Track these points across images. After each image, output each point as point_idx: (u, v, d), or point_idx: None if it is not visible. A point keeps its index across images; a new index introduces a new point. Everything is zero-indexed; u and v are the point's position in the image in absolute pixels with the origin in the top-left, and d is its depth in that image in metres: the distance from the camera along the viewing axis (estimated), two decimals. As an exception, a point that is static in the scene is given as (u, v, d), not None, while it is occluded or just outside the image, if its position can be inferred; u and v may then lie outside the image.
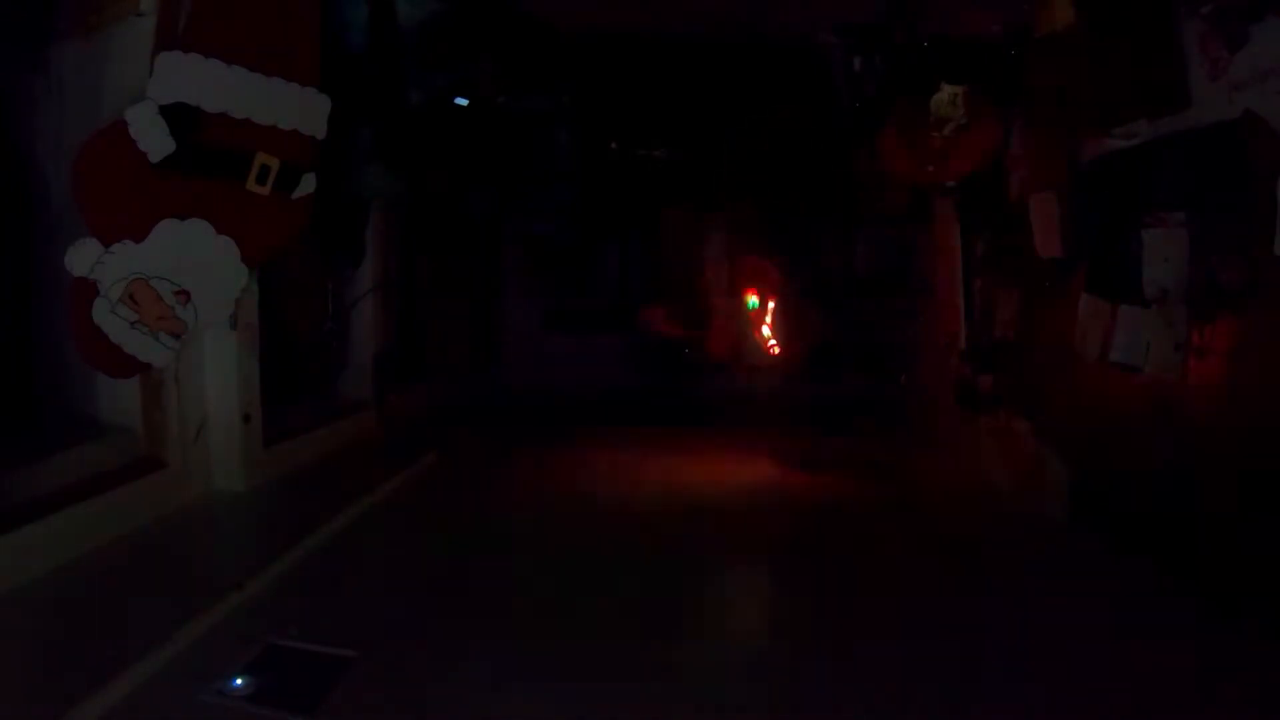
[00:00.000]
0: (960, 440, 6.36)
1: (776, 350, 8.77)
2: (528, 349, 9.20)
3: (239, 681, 2.80)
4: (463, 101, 6.38)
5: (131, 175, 3.82)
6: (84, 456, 4.04)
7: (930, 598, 3.76)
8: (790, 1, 6.08)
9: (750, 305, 8.90)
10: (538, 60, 6.78)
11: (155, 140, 3.84)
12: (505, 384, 8.94)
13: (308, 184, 4.40)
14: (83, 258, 3.75)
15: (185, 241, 4.00)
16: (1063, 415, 5.00)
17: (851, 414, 7.49)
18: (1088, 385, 4.67)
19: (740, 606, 3.77)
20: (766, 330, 8.84)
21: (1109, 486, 4.44)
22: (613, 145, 7.97)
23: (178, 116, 3.88)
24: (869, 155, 6.35)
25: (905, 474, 6.03)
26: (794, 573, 4.07)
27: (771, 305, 8.81)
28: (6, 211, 4.39)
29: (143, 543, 3.90)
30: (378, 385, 6.76)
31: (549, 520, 4.83)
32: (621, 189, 8.17)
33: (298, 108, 4.26)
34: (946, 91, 5.51)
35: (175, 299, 4.03)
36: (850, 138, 6.77)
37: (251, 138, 4.14)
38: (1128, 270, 4.21)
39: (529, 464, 6.14)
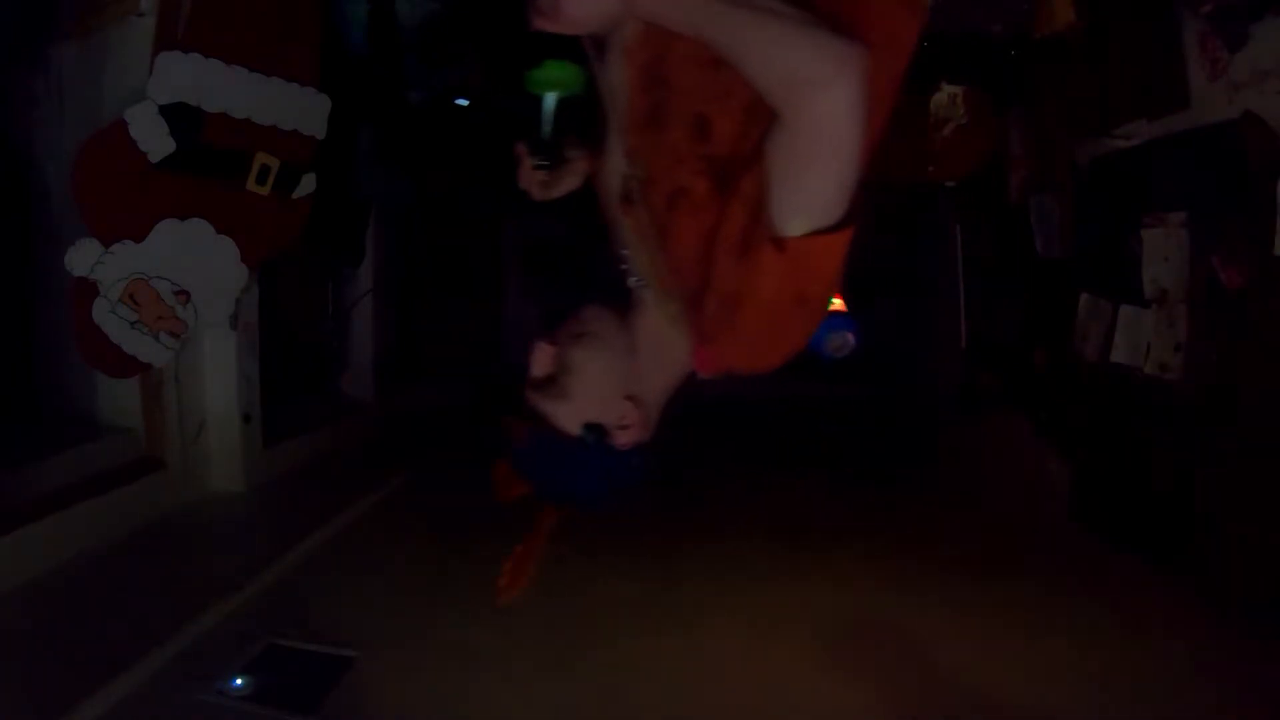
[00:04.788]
0: (960, 440, 6.36)
1: None
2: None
3: (239, 681, 2.80)
4: (463, 101, 6.38)
5: (131, 175, 3.82)
6: (84, 456, 4.03)
7: (929, 598, 3.76)
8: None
9: None
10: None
11: (155, 140, 3.84)
12: (506, 384, 8.92)
13: (308, 184, 4.40)
14: (83, 258, 3.75)
15: (185, 241, 4.01)
16: (1063, 415, 4.99)
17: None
18: (1088, 385, 4.67)
19: (731, 604, 3.75)
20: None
21: (1109, 486, 4.43)
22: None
23: (178, 116, 3.88)
24: (869, 155, 6.34)
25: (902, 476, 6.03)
26: (790, 570, 4.06)
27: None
28: (6, 212, 4.39)
29: (143, 543, 3.90)
30: (378, 385, 6.76)
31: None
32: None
33: (298, 108, 4.26)
34: (946, 91, 5.51)
35: (175, 299, 4.04)
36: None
37: (251, 138, 4.14)
38: (1128, 270, 4.22)
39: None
